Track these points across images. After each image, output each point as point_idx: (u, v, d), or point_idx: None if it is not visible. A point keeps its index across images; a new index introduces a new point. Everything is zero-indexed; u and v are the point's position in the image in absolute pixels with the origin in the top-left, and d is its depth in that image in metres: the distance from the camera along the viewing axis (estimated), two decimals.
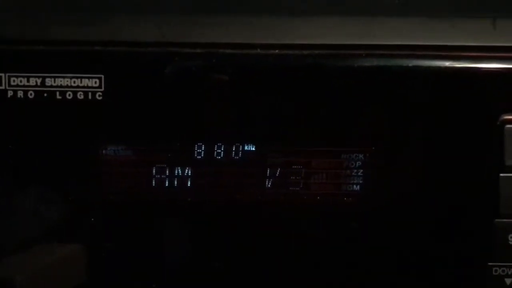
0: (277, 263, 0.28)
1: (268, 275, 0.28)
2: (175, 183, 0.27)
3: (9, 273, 0.27)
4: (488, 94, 0.27)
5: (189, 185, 0.27)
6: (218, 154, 0.27)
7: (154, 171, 0.27)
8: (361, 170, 0.27)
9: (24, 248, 0.27)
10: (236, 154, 0.27)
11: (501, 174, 0.27)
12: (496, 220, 0.27)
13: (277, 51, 0.26)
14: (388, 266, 0.27)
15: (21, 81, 0.26)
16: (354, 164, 0.28)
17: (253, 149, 0.27)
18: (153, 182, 0.27)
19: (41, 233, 0.27)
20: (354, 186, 0.28)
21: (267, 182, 0.28)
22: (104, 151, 0.27)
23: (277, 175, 0.28)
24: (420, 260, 0.28)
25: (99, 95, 0.26)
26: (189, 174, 0.27)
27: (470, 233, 0.27)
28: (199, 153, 0.27)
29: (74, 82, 0.26)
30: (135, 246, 0.28)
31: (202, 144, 0.27)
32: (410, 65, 0.27)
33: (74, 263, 0.28)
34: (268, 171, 0.27)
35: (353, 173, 0.28)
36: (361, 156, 0.27)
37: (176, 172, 0.27)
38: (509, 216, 0.27)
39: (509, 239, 0.27)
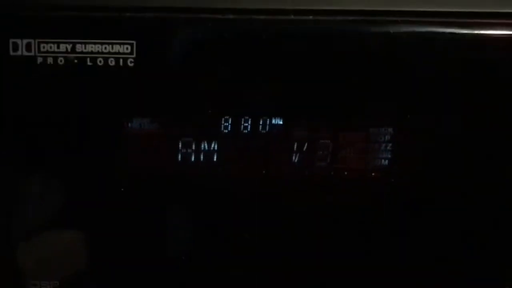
0: (304, 238, 0.27)
1: (295, 250, 0.27)
2: (201, 157, 0.27)
3: (39, 248, 0.26)
4: None
5: (215, 159, 0.27)
6: (245, 127, 0.27)
7: (180, 145, 0.27)
8: (389, 145, 0.27)
9: (42, 222, 0.27)
10: (263, 127, 0.27)
11: None
12: None
13: (311, 17, 0.26)
14: (414, 242, 0.27)
15: (51, 47, 0.26)
16: (382, 138, 0.27)
17: (281, 122, 0.27)
18: (179, 157, 0.27)
19: (62, 204, 0.27)
20: (382, 161, 0.27)
21: (294, 156, 0.27)
22: (130, 123, 0.26)
23: (304, 149, 0.27)
24: (447, 239, 0.27)
25: (131, 62, 0.26)
26: (216, 148, 0.27)
27: (505, 215, 0.26)
28: (225, 127, 0.27)
29: (105, 48, 0.26)
30: (160, 221, 0.27)
31: (229, 118, 0.26)
32: (447, 32, 0.26)
33: (97, 238, 0.27)
34: (295, 145, 0.27)
35: (381, 148, 0.27)
36: (389, 130, 0.27)
37: (202, 146, 0.27)
38: None
39: None
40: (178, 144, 0.27)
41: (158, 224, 0.27)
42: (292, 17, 0.26)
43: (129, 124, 0.26)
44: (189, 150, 0.27)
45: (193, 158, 0.27)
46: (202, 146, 0.27)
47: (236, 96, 0.27)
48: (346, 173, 0.27)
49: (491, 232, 0.27)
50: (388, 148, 0.27)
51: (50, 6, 0.26)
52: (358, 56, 0.26)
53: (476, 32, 0.26)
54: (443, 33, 0.26)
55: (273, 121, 0.27)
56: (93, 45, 0.26)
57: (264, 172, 0.27)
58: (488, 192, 0.27)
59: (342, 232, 0.27)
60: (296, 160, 0.27)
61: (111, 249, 0.27)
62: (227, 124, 0.27)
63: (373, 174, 0.27)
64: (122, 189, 0.27)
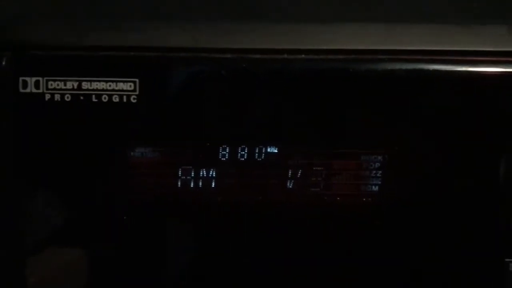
0: (299, 260, 0.28)
1: (290, 272, 0.28)
2: (200, 184, 0.28)
3: (38, 271, 0.28)
4: (506, 98, 0.28)
5: (213, 186, 0.28)
6: (242, 156, 0.28)
7: (180, 173, 0.28)
8: (380, 172, 0.28)
9: (50, 246, 0.28)
10: (259, 156, 0.28)
11: None
12: None
13: (303, 56, 0.27)
14: (403, 263, 0.28)
15: (58, 85, 0.27)
16: (372, 165, 0.28)
17: (276, 151, 0.28)
18: (179, 183, 0.28)
19: (69, 229, 0.28)
20: (373, 187, 0.29)
21: (288, 183, 0.28)
22: (133, 152, 0.28)
23: (298, 176, 0.28)
24: (436, 257, 0.28)
25: (134, 98, 0.27)
26: (214, 175, 0.28)
27: (485, 231, 0.28)
28: (223, 155, 0.28)
29: (110, 85, 0.27)
30: (161, 245, 0.29)
31: (227, 147, 0.28)
32: (430, 69, 0.28)
33: (100, 261, 0.28)
34: (290, 172, 0.28)
35: (372, 174, 0.28)
36: (379, 158, 0.28)
37: (201, 173, 0.28)
38: None
39: None
40: (178, 172, 0.28)
41: (158, 247, 0.29)
42: (286, 56, 0.27)
43: (132, 153, 0.28)
44: (188, 177, 0.28)
45: (192, 185, 0.28)
46: (201, 173, 0.28)
47: (234, 126, 0.28)
48: (338, 198, 0.29)
49: (477, 256, 0.28)
50: (378, 175, 0.28)
51: (57, 46, 0.27)
52: (348, 91, 0.28)
53: (459, 69, 0.28)
54: (428, 70, 0.28)
55: (269, 150, 0.28)
56: (98, 83, 0.27)
57: (260, 197, 0.29)
58: (472, 218, 0.28)
59: (335, 254, 0.29)
60: (290, 186, 0.29)
61: (113, 271, 0.28)
62: (224, 152, 0.28)
63: (364, 199, 0.28)
64: (125, 216, 0.28)
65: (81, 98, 0.27)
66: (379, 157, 0.28)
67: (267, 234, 0.29)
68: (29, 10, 0.29)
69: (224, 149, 0.28)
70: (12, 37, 0.28)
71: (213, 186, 0.28)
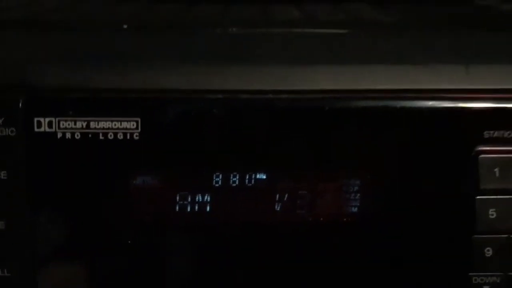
0: (287, 278, 0.32)
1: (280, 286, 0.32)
2: (196, 208, 0.32)
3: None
4: (464, 129, 0.31)
5: (208, 209, 0.32)
6: (234, 182, 0.32)
7: (177, 198, 0.32)
8: (358, 194, 0.32)
9: (61, 267, 0.32)
10: (249, 181, 0.32)
11: (477, 197, 0.31)
12: (474, 236, 0.31)
13: (286, 95, 0.31)
14: (382, 277, 0.32)
15: (69, 124, 0.31)
16: (352, 189, 0.32)
17: (264, 177, 0.32)
18: (177, 207, 0.32)
19: (79, 252, 0.32)
20: (352, 208, 0.32)
21: (276, 205, 0.32)
22: (135, 181, 0.31)
23: (285, 199, 0.32)
24: (409, 271, 0.32)
25: (136, 135, 0.31)
26: (208, 200, 0.32)
27: (451, 246, 0.31)
28: (217, 182, 0.32)
29: (115, 124, 0.31)
30: (160, 266, 0.32)
31: (220, 174, 0.31)
32: (398, 106, 0.32)
33: (102, 282, 0.31)
34: (278, 196, 0.32)
35: (351, 197, 0.32)
36: (357, 182, 0.32)
37: (197, 198, 0.32)
38: (484, 232, 0.31)
39: (486, 252, 0.31)
40: (176, 197, 0.32)
41: (158, 269, 0.32)
42: (270, 95, 0.31)
43: (134, 182, 0.32)
44: (185, 202, 0.32)
45: (189, 209, 0.32)
46: (197, 198, 0.32)
47: (226, 156, 0.32)
48: (322, 218, 0.32)
49: (448, 266, 0.32)
50: (357, 197, 0.32)
51: (67, 89, 0.31)
52: (326, 125, 0.31)
53: (424, 105, 0.32)
54: (394, 106, 0.31)
55: (258, 176, 0.32)
56: (104, 122, 0.31)
57: (251, 219, 0.32)
58: (445, 232, 0.32)
59: (320, 269, 0.32)
60: (278, 209, 0.32)
61: None
62: (218, 179, 0.32)
63: (345, 219, 0.32)
64: (129, 240, 0.32)
65: (90, 136, 0.31)
66: (357, 181, 0.32)
67: (257, 253, 0.32)
68: (38, 55, 0.32)
69: (217, 176, 0.32)
70: (26, 81, 0.31)
71: (208, 209, 0.32)
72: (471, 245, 0.31)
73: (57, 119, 0.30)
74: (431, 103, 0.31)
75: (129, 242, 0.31)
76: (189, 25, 0.40)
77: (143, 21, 0.44)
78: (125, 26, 0.37)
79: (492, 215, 0.31)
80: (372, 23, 0.42)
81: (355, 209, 0.32)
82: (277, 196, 0.32)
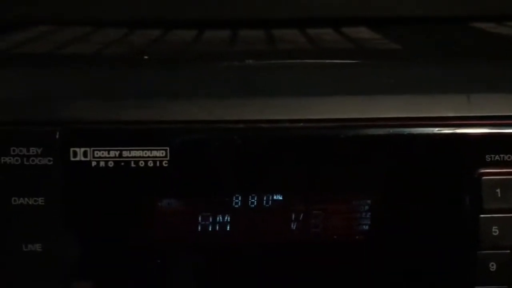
0: None
1: None
2: (217, 228, 0.34)
3: None
4: (467, 154, 0.34)
5: (228, 229, 0.34)
6: (252, 203, 0.34)
7: (200, 219, 0.34)
8: (369, 213, 0.34)
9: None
10: (267, 203, 0.34)
11: (481, 215, 0.34)
12: (479, 252, 0.34)
13: (301, 124, 0.33)
14: None
15: (103, 154, 0.33)
16: (362, 208, 0.34)
17: (281, 198, 0.34)
18: (199, 228, 0.34)
19: (111, 276, 0.34)
20: (363, 226, 0.34)
21: (292, 225, 0.34)
22: (161, 204, 0.34)
23: (300, 219, 0.34)
24: (418, 286, 0.34)
25: (165, 163, 0.33)
26: (228, 220, 0.34)
27: (459, 263, 0.34)
28: (236, 203, 0.34)
29: (145, 153, 0.33)
30: (183, 284, 0.34)
31: (239, 196, 0.34)
32: (405, 133, 0.34)
33: None
34: (293, 216, 0.34)
35: (362, 216, 0.34)
36: (368, 202, 0.34)
37: (218, 219, 0.34)
38: (488, 248, 0.34)
39: (490, 267, 0.33)
40: (198, 218, 0.34)
41: (182, 283, 0.34)
42: (287, 124, 0.34)
43: (161, 204, 0.34)
44: (207, 223, 0.34)
45: (210, 229, 0.34)
46: (218, 218, 0.34)
47: (245, 179, 0.34)
48: (335, 237, 0.34)
49: (454, 280, 0.34)
50: (368, 216, 0.34)
51: (100, 121, 0.34)
52: (338, 151, 0.34)
53: (429, 131, 0.34)
54: (401, 133, 0.34)
55: (275, 197, 0.34)
56: (135, 151, 0.33)
57: (268, 238, 0.34)
58: (451, 248, 0.34)
59: (334, 285, 0.34)
60: (294, 228, 0.34)
61: None
62: (237, 201, 0.34)
63: (357, 237, 0.34)
64: (158, 260, 0.34)
65: (122, 164, 0.33)
66: (368, 201, 0.34)
67: (275, 271, 0.34)
68: (68, 88, 0.35)
69: (237, 198, 0.34)
70: (62, 114, 0.34)
71: (228, 229, 0.34)
72: (476, 260, 0.33)
73: (91, 149, 0.33)
74: (435, 130, 0.34)
75: (158, 262, 0.34)
76: (206, 56, 0.43)
77: (160, 51, 0.46)
78: (146, 57, 0.40)
79: (495, 232, 0.33)
80: (376, 52, 0.45)
81: (366, 227, 0.34)
82: (293, 216, 0.34)
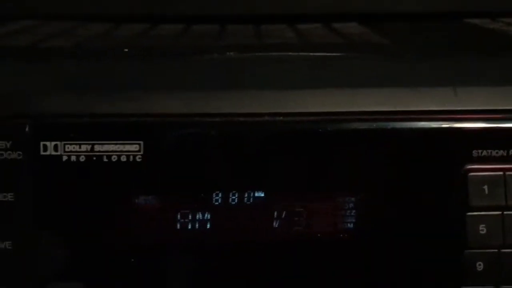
0: None
1: None
2: (197, 226, 0.33)
3: None
4: (453, 149, 0.33)
5: (208, 227, 0.33)
6: (233, 200, 0.33)
7: (178, 216, 0.33)
8: (353, 211, 0.33)
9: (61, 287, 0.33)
10: (248, 200, 0.33)
11: (468, 213, 0.33)
12: (465, 251, 0.33)
13: (281, 118, 0.32)
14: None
15: (74, 148, 0.32)
16: (347, 206, 0.33)
17: (262, 195, 0.33)
18: (178, 226, 0.33)
19: (82, 274, 0.33)
20: (348, 224, 0.33)
21: (274, 223, 0.33)
22: (137, 200, 0.33)
23: (282, 217, 0.33)
24: (403, 286, 0.33)
25: (139, 158, 0.32)
26: (208, 218, 0.33)
27: (445, 262, 0.33)
28: (216, 200, 0.33)
29: (118, 147, 0.32)
30: (163, 280, 0.33)
31: (219, 193, 0.33)
32: (390, 127, 0.33)
33: None
34: (275, 214, 0.33)
35: (346, 214, 0.33)
36: (352, 199, 0.33)
37: (197, 216, 0.33)
38: (475, 247, 0.33)
39: (477, 266, 0.32)
40: (177, 216, 0.33)
41: (161, 282, 0.33)
42: (266, 118, 0.33)
43: (137, 201, 0.33)
44: (186, 220, 0.33)
45: (189, 227, 0.33)
46: (197, 216, 0.33)
47: (225, 176, 0.33)
48: (319, 235, 0.33)
49: (441, 280, 0.33)
50: (352, 213, 0.33)
51: (72, 114, 0.32)
52: (320, 146, 0.33)
53: (415, 125, 0.33)
54: (385, 127, 0.33)
55: (256, 194, 0.33)
56: (108, 145, 0.32)
57: (250, 236, 0.33)
58: (437, 247, 0.33)
59: (318, 284, 0.33)
60: (276, 226, 0.33)
61: None
62: (217, 197, 0.33)
63: (341, 235, 0.33)
64: (133, 259, 0.33)
65: (94, 158, 0.32)
66: (352, 198, 0.33)
67: (256, 269, 0.33)
68: (41, 82, 0.34)
69: (217, 195, 0.33)
70: (32, 107, 0.33)
71: (208, 227, 0.33)
72: (463, 260, 0.32)
73: (62, 143, 0.32)
74: (421, 124, 0.33)
75: (132, 261, 0.32)
76: (187, 49, 0.42)
77: (142, 45, 0.45)
78: (126, 50, 0.39)
79: (482, 230, 0.32)
80: (364, 45, 0.44)
81: (350, 225, 0.33)
82: (275, 213, 0.33)
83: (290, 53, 0.37)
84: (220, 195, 0.32)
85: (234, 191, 0.33)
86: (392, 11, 0.59)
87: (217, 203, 0.32)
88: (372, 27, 0.53)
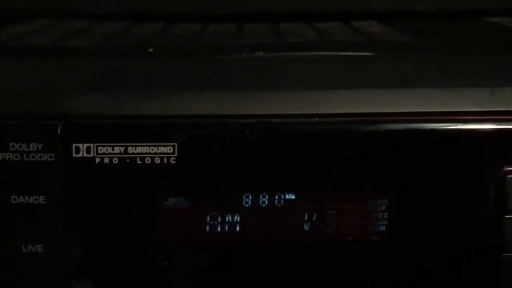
0: None
1: None
2: (226, 228, 0.33)
3: None
4: (491, 150, 0.32)
5: (237, 229, 0.33)
6: (263, 202, 0.33)
7: (208, 218, 0.33)
8: (386, 213, 0.33)
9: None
10: (278, 202, 0.33)
11: (506, 216, 0.32)
12: (503, 254, 0.32)
13: (317, 119, 0.32)
14: None
15: (107, 150, 0.32)
16: (379, 208, 0.33)
17: (293, 197, 0.33)
18: (207, 228, 0.33)
19: (114, 276, 0.33)
20: (380, 227, 0.33)
21: (305, 225, 0.33)
22: (170, 203, 0.32)
23: (313, 219, 0.33)
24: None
25: (173, 160, 0.32)
26: (238, 220, 0.33)
27: (482, 266, 0.32)
28: (246, 202, 0.33)
29: (152, 149, 0.32)
30: (191, 285, 0.33)
31: (250, 194, 0.33)
32: (425, 128, 0.33)
33: None
34: (306, 216, 0.33)
35: (378, 216, 0.33)
36: (385, 201, 0.33)
37: (227, 219, 0.33)
38: None
39: None
40: (207, 218, 0.33)
41: (190, 284, 0.33)
42: (302, 119, 0.32)
43: (170, 203, 0.32)
44: (215, 222, 0.33)
45: (219, 229, 0.33)
46: (227, 218, 0.33)
47: (255, 177, 0.33)
48: (350, 238, 0.33)
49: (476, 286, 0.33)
50: (385, 216, 0.33)
51: (105, 115, 0.32)
52: (355, 148, 0.33)
53: (452, 127, 0.33)
54: (420, 129, 0.32)
55: (287, 196, 0.33)
56: (141, 147, 0.32)
57: (280, 239, 0.33)
58: (473, 252, 0.32)
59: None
60: (307, 229, 0.33)
61: None
62: (247, 200, 0.33)
63: (373, 238, 0.33)
64: (164, 261, 0.33)
65: (127, 160, 0.32)
66: (385, 201, 0.33)
67: (287, 272, 0.33)
68: (72, 82, 0.33)
69: (247, 197, 0.33)
70: (65, 108, 0.32)
71: (237, 230, 0.33)
72: (500, 264, 0.32)
73: (95, 144, 0.32)
74: (458, 125, 0.32)
75: (165, 263, 0.32)
76: (213, 48, 0.41)
77: (166, 44, 0.45)
78: (150, 50, 0.39)
79: None
80: (390, 45, 0.43)
81: (383, 228, 0.33)
82: (306, 216, 0.33)
83: (319, 53, 0.36)
84: (250, 197, 0.32)
85: (264, 193, 0.32)
86: (411, 9, 0.58)
87: (247, 205, 0.32)
88: (392, 25, 0.53)
